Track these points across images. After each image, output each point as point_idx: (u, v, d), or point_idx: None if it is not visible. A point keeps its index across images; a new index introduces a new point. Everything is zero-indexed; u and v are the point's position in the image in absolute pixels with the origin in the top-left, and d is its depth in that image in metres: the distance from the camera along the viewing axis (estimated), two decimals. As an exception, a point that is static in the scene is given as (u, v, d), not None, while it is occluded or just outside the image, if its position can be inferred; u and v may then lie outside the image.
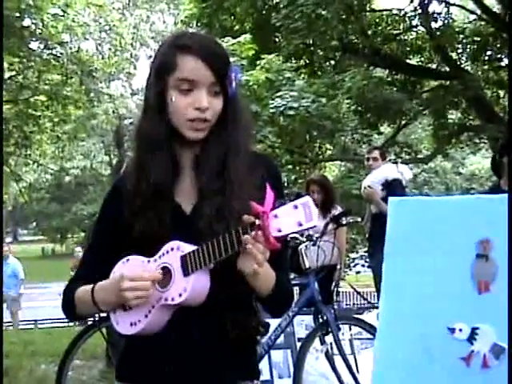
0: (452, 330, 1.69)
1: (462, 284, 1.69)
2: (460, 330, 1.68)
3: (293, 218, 1.42)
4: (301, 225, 1.42)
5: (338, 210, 6.19)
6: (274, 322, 4.47)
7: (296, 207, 1.42)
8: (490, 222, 1.70)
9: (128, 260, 1.68)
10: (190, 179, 1.71)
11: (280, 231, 1.44)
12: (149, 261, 1.65)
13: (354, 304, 17.23)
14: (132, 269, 1.65)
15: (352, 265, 19.90)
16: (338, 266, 6.23)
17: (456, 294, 1.69)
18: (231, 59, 1.69)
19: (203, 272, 1.58)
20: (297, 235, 5.06)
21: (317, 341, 4.64)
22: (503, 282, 1.65)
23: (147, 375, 1.68)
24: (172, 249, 1.62)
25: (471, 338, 1.67)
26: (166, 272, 1.62)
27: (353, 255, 19.81)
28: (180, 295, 1.58)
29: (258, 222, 1.45)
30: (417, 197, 1.97)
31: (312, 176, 7.45)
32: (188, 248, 1.59)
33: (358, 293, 7.16)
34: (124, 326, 1.68)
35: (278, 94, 11.66)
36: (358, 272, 20.06)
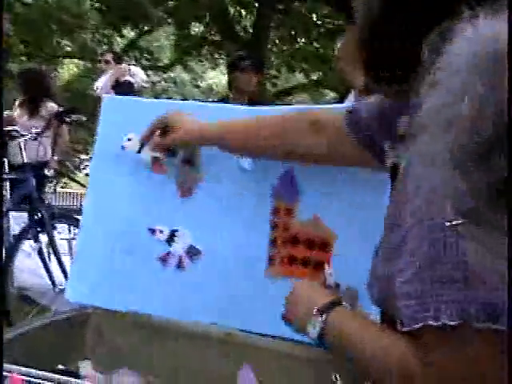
0: (152, 231, 1.72)
1: (165, 187, 1.71)
2: (160, 231, 1.72)
3: None
4: None
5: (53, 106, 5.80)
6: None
7: None
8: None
9: None
10: None
11: None
12: None
13: (79, 205, 17.04)
14: None
15: (81, 166, 19.58)
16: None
17: (158, 197, 1.72)
18: None
19: None
20: (17, 127, 4.80)
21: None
22: (205, 186, 1.70)
23: None
24: None
25: (170, 239, 1.71)
26: None
27: (84, 156, 19.47)
28: None
29: None
30: (130, 97, 1.95)
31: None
32: None
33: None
34: None
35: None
36: (87, 174, 19.82)
